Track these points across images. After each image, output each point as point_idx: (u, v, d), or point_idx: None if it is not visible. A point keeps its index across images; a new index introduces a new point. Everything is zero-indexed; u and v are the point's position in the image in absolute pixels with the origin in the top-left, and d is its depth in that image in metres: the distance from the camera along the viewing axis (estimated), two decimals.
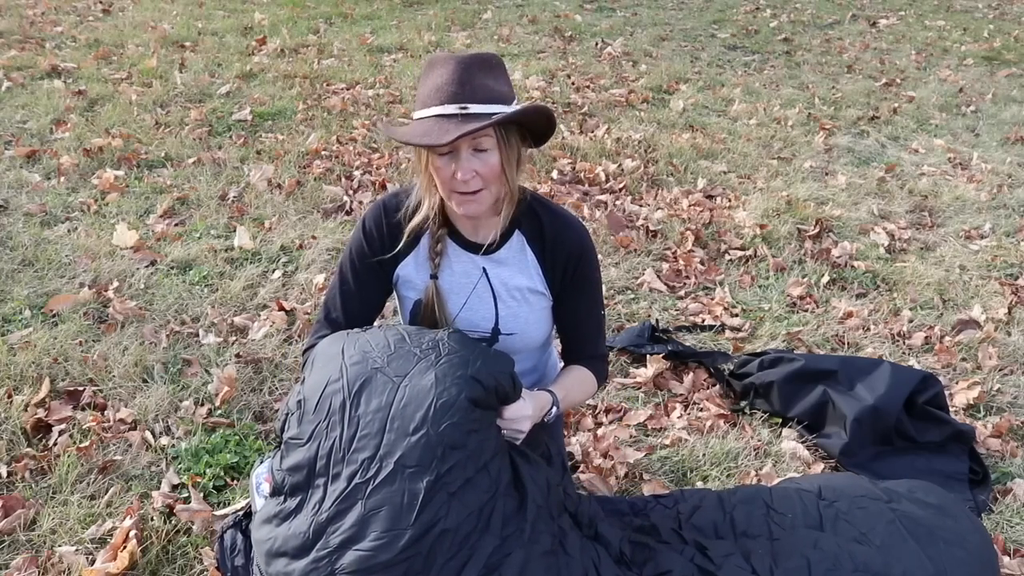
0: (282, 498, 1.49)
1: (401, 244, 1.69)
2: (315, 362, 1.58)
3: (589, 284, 1.75)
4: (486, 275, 1.70)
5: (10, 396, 2.27)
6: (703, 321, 2.89)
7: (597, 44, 6.45)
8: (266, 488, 1.54)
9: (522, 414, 1.56)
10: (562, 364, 1.88)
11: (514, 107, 1.50)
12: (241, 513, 1.79)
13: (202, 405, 2.33)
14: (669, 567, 1.60)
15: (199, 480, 2.05)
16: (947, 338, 2.83)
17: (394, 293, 1.79)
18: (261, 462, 1.70)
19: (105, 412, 2.27)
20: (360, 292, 1.73)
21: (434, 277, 1.68)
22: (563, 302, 1.75)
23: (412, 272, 1.71)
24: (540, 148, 1.67)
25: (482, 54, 1.51)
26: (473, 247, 1.69)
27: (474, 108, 1.46)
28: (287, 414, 1.53)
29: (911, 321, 2.92)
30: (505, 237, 1.69)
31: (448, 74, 1.48)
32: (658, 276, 3.13)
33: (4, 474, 2.04)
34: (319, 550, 1.39)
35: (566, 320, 1.78)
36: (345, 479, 1.43)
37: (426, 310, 1.69)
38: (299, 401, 1.52)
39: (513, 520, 1.48)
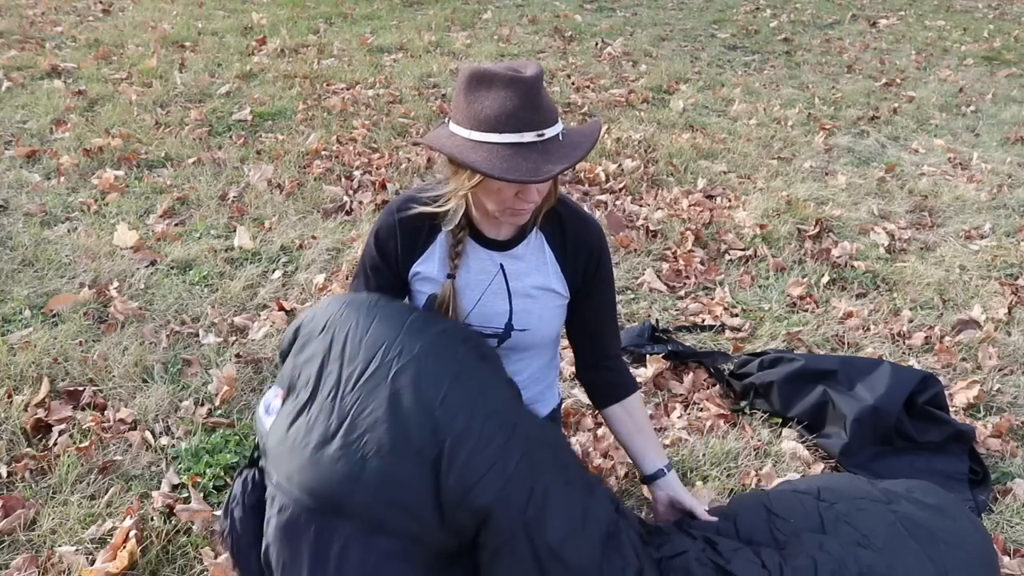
0: (295, 394, 1.46)
1: (415, 242, 1.69)
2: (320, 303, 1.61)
3: (609, 282, 1.78)
4: (503, 271, 1.70)
5: (10, 396, 2.27)
6: (703, 321, 2.89)
7: (597, 44, 6.45)
8: (277, 403, 1.51)
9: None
10: (574, 367, 1.90)
11: (564, 123, 1.50)
12: (246, 465, 1.71)
13: (202, 405, 2.33)
14: (683, 548, 1.59)
15: (199, 480, 2.05)
16: (947, 338, 2.83)
17: None
18: (268, 388, 1.65)
19: (105, 412, 2.28)
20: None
21: (451, 277, 1.68)
22: (586, 300, 1.76)
23: (428, 269, 1.71)
24: None
25: (537, 70, 1.47)
26: (491, 243, 1.70)
27: (548, 133, 1.45)
28: (298, 326, 1.53)
29: (911, 321, 2.92)
30: (524, 234, 1.70)
31: (518, 97, 1.43)
32: (658, 276, 3.13)
33: (4, 474, 2.04)
34: (345, 435, 1.37)
35: (590, 319, 1.79)
36: (362, 362, 1.42)
37: (438, 307, 1.70)
38: (310, 313, 1.54)
39: (542, 431, 1.49)
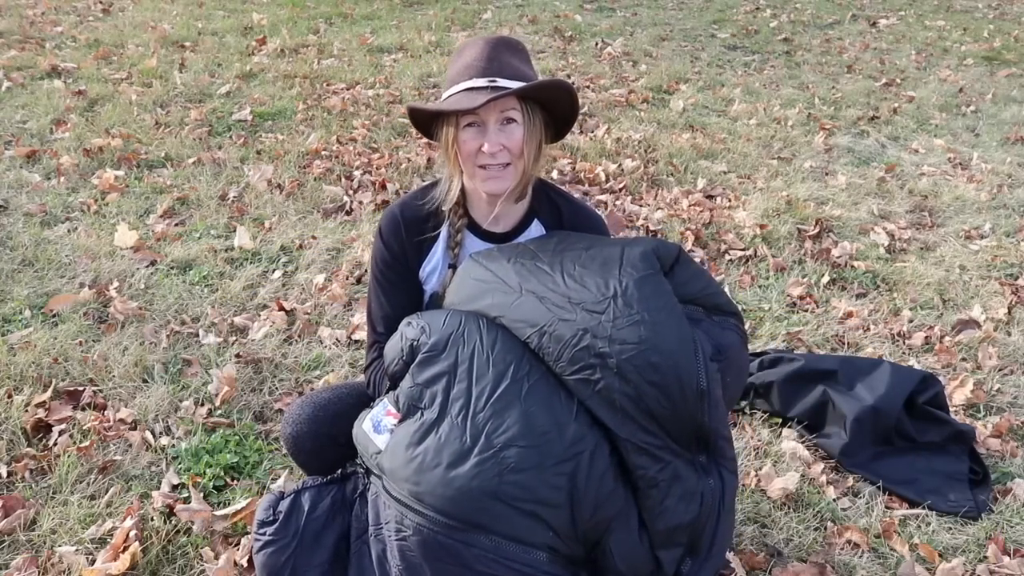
0: (420, 414, 1.46)
1: (422, 236, 1.70)
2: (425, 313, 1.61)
3: None
4: None
5: (10, 396, 2.27)
6: None
7: (597, 44, 6.45)
8: (391, 421, 1.51)
9: None
10: None
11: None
12: (330, 478, 1.65)
13: (202, 405, 2.33)
14: None
15: (199, 480, 2.05)
16: (947, 338, 2.83)
17: None
18: (371, 407, 1.59)
19: (105, 412, 2.27)
20: (395, 304, 1.72)
21: (452, 267, 1.68)
22: None
23: (434, 267, 1.72)
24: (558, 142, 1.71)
25: (509, 38, 1.59)
26: (492, 237, 1.70)
27: (502, 82, 1.52)
28: (411, 345, 1.51)
29: (911, 321, 2.92)
30: (524, 226, 1.71)
31: (477, 52, 1.55)
32: None
33: (4, 474, 2.04)
34: (480, 452, 1.38)
35: None
36: (492, 380, 1.43)
37: (442, 301, 1.70)
38: (421, 327, 1.53)
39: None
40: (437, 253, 1.71)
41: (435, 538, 1.37)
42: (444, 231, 1.70)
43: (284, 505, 1.54)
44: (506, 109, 1.53)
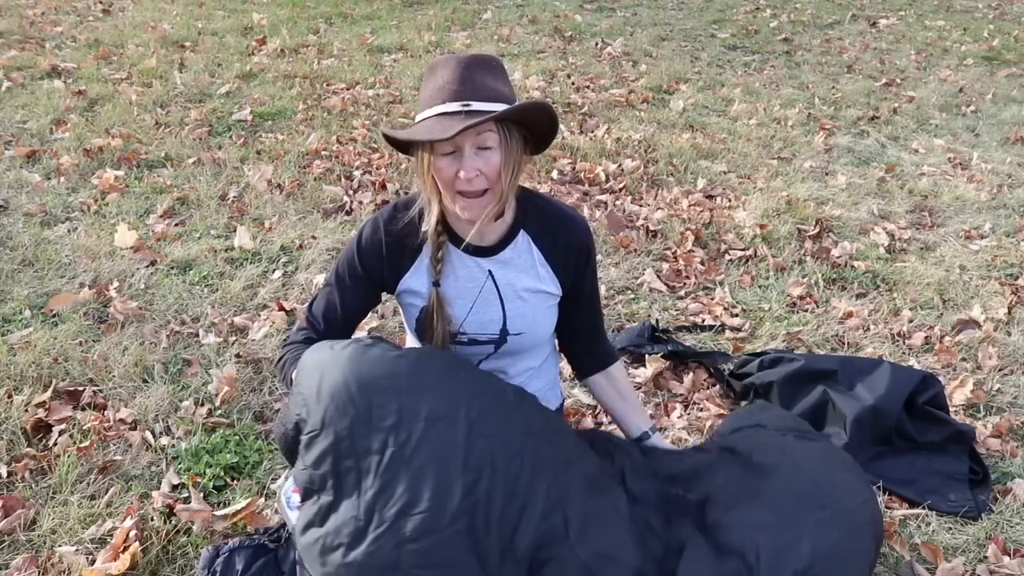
0: (316, 496, 1.45)
1: (402, 253, 1.69)
2: (303, 371, 1.54)
3: (594, 272, 1.81)
4: (492, 278, 1.70)
5: (10, 396, 2.27)
6: (703, 321, 2.89)
7: (597, 44, 6.45)
8: (296, 499, 1.51)
9: None
10: (563, 358, 1.95)
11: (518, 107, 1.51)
12: (261, 540, 1.72)
13: (202, 405, 2.33)
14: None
15: (199, 480, 2.05)
16: (947, 338, 2.83)
17: (395, 302, 1.80)
18: (285, 479, 1.63)
19: (105, 412, 2.27)
20: (344, 307, 1.73)
21: (436, 284, 1.68)
22: (577, 295, 1.79)
23: (416, 283, 1.71)
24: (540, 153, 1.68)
25: (482, 55, 1.53)
26: (478, 251, 1.69)
27: (476, 105, 1.47)
28: (296, 421, 1.49)
29: (911, 321, 2.92)
30: (510, 238, 1.70)
31: (449, 73, 1.50)
32: (658, 276, 3.13)
33: (4, 474, 2.04)
34: (376, 528, 1.36)
35: (580, 310, 1.82)
36: (376, 452, 1.40)
37: (428, 317, 1.70)
38: (301, 401, 1.49)
39: (552, 444, 1.51)
40: (422, 270, 1.70)
41: None
42: (427, 248, 1.70)
43: (218, 564, 1.56)
44: (481, 132, 1.48)
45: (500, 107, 1.48)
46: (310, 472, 1.44)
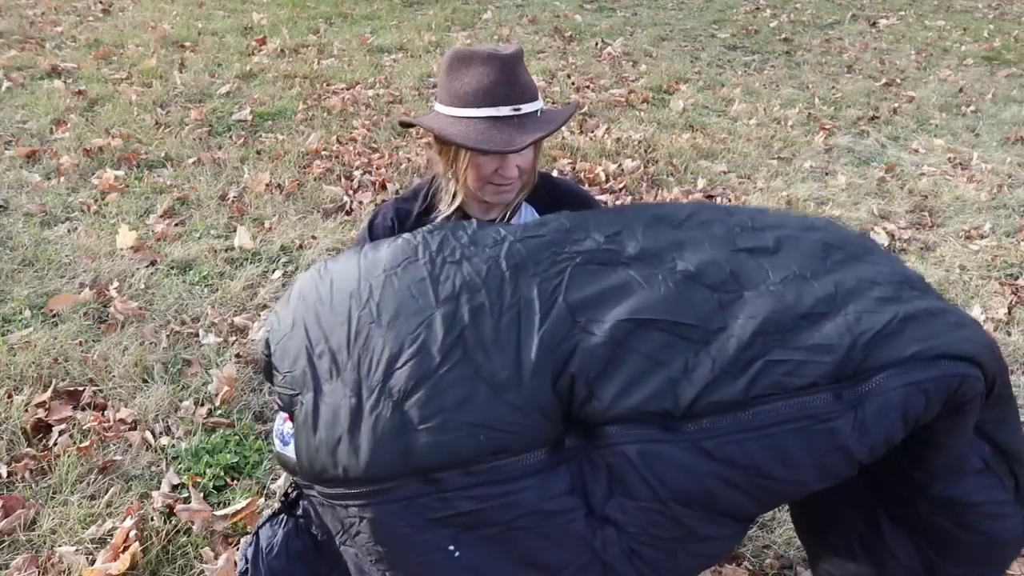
0: (300, 400, 1.27)
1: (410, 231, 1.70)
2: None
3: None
4: None
5: (10, 396, 2.27)
6: None
7: (597, 44, 6.45)
8: (289, 426, 1.34)
9: None
10: None
11: (543, 102, 1.55)
12: (276, 509, 1.58)
13: (202, 405, 2.33)
14: None
15: (199, 480, 2.05)
16: None
17: None
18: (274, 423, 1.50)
19: (105, 412, 2.28)
20: None
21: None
22: None
23: None
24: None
25: (515, 49, 1.54)
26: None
27: (525, 108, 1.50)
28: (266, 335, 1.35)
29: None
30: (514, 211, 1.72)
31: (495, 73, 1.49)
32: None
33: (4, 474, 2.04)
34: (368, 397, 1.18)
35: None
36: (342, 323, 1.25)
37: None
38: (270, 324, 1.36)
39: (536, 258, 1.31)
40: None
41: (383, 509, 1.17)
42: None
43: (249, 551, 1.48)
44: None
45: (538, 104, 1.52)
46: (289, 374, 1.28)
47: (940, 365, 1.14)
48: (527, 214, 1.73)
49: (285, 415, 1.35)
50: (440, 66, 1.56)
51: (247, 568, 1.48)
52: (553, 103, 4.92)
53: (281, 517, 1.51)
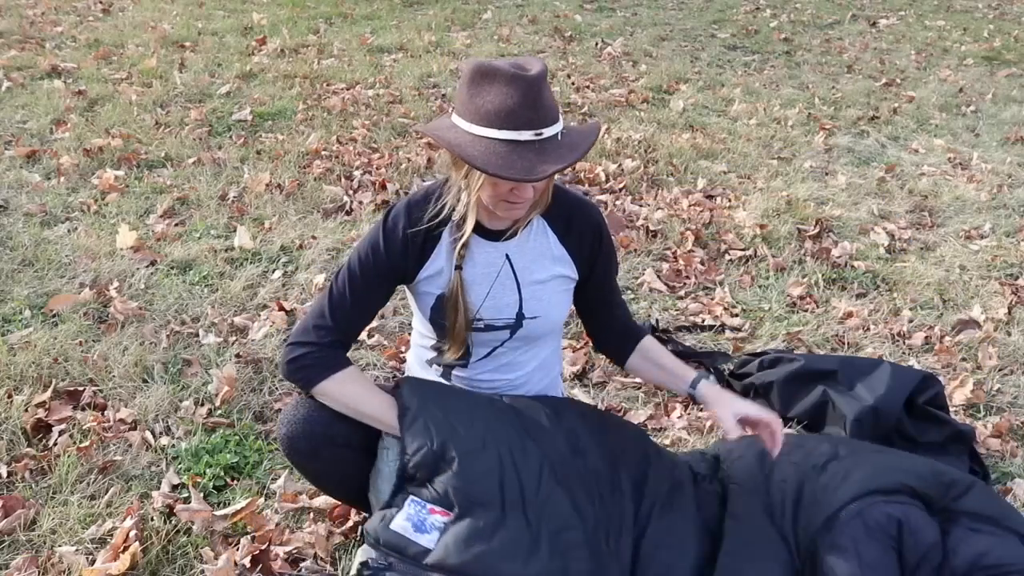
0: (478, 511, 1.55)
1: (424, 241, 1.69)
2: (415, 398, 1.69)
3: (611, 256, 1.83)
4: (509, 261, 1.71)
5: (10, 396, 2.27)
6: (703, 321, 2.89)
7: (597, 44, 6.45)
8: (439, 520, 1.55)
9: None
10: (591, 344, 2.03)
11: (564, 122, 1.53)
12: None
13: (202, 405, 2.33)
14: None
15: (199, 480, 2.05)
16: (947, 338, 2.83)
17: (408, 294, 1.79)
18: (385, 510, 1.59)
19: (105, 412, 2.27)
20: (362, 302, 1.70)
21: (459, 268, 1.68)
22: (594, 278, 1.80)
23: (435, 270, 1.70)
24: None
25: (540, 68, 1.49)
26: (494, 235, 1.70)
27: (547, 132, 1.48)
28: (442, 444, 1.59)
29: (911, 321, 2.92)
30: (526, 225, 1.71)
31: (518, 95, 1.45)
32: (658, 276, 3.13)
33: (4, 474, 2.04)
34: (546, 540, 1.53)
35: (599, 294, 1.84)
36: (536, 465, 1.60)
37: (449, 303, 1.69)
38: (450, 427, 1.62)
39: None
40: (440, 257, 1.70)
41: None
42: (446, 235, 1.69)
43: None
44: None
45: (560, 127, 1.50)
46: (468, 488, 1.55)
47: None
48: (537, 226, 1.72)
49: (436, 508, 1.55)
50: (462, 77, 1.52)
51: None
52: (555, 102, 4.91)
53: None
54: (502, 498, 1.54)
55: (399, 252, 1.68)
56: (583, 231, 1.74)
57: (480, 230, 1.69)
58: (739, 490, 1.77)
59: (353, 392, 1.66)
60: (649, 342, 1.90)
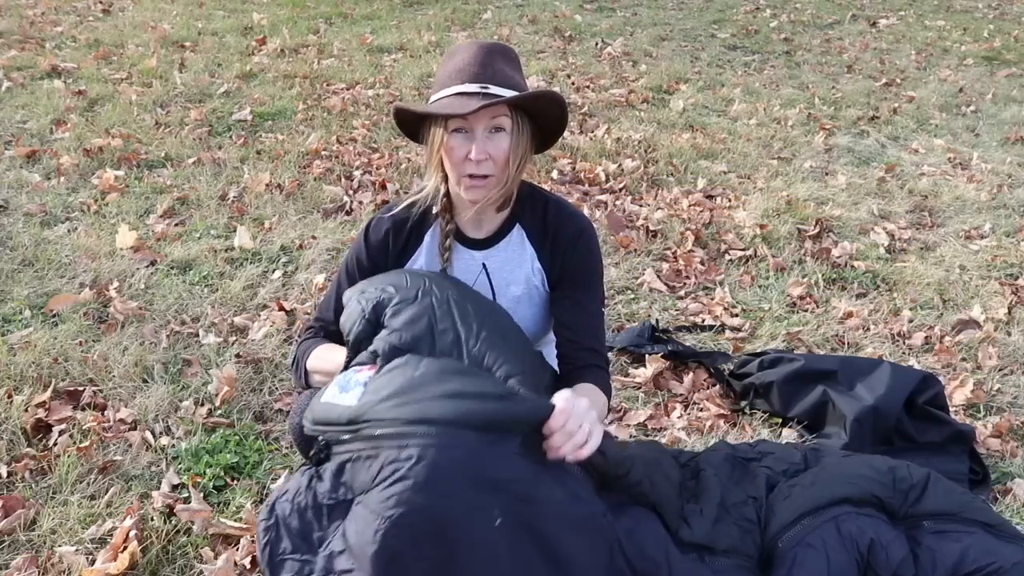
0: (404, 355, 1.45)
1: (405, 244, 1.70)
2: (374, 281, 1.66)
3: (586, 273, 1.71)
4: (485, 271, 1.71)
5: (10, 396, 2.27)
6: (703, 321, 2.89)
7: (597, 44, 6.45)
8: (364, 376, 1.43)
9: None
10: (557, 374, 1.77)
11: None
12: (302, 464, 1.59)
13: (202, 405, 2.33)
14: None
15: (199, 480, 2.04)
16: (947, 338, 2.83)
17: None
18: (344, 371, 1.52)
19: (105, 412, 2.27)
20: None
21: (443, 271, 1.69)
22: (558, 290, 1.72)
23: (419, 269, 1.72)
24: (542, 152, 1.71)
25: (502, 44, 1.59)
26: (472, 244, 1.70)
27: (494, 89, 1.52)
28: (375, 300, 1.55)
29: (911, 321, 2.92)
30: (504, 231, 1.71)
31: (470, 56, 1.54)
32: (658, 276, 3.13)
33: (4, 474, 2.04)
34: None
35: (560, 310, 1.71)
36: (475, 319, 1.51)
37: None
38: (382, 288, 1.57)
39: None
40: (421, 258, 1.72)
41: (450, 452, 1.26)
42: (428, 238, 1.72)
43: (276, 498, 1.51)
44: (496, 116, 1.53)
45: (513, 94, 1.53)
46: (400, 333, 1.48)
47: None
48: (516, 237, 1.72)
49: (368, 365, 1.48)
50: None
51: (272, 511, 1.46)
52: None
53: (307, 470, 1.48)
54: (431, 339, 1.47)
55: (380, 252, 1.71)
56: (558, 241, 1.70)
57: (460, 237, 1.70)
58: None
59: (324, 356, 1.68)
60: (585, 388, 1.61)
